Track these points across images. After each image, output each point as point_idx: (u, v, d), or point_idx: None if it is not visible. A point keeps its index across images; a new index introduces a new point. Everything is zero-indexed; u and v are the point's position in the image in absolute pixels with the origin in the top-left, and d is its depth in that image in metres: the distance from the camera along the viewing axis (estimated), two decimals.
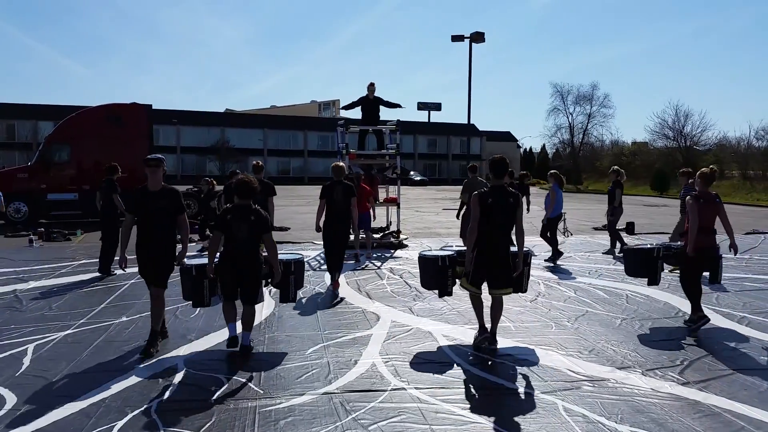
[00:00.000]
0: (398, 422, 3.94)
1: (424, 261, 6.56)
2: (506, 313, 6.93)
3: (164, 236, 5.49)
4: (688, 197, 6.46)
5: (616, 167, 11.64)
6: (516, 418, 4.02)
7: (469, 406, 4.23)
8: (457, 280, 6.15)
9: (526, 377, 4.83)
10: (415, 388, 4.56)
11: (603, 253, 11.73)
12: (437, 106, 78.39)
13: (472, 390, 4.55)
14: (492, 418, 4.02)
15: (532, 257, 6.86)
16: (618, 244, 11.63)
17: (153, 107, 19.37)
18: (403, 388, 4.55)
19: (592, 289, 8.32)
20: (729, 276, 9.37)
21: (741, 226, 17.87)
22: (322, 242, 8.55)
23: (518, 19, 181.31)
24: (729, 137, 59.61)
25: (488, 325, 5.69)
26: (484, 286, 5.67)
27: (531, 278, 9.01)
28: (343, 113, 54.40)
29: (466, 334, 6.03)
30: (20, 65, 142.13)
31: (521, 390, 4.54)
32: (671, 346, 5.67)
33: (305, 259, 7.42)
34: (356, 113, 13.57)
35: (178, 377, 4.78)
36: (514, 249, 5.73)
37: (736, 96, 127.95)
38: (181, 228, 5.64)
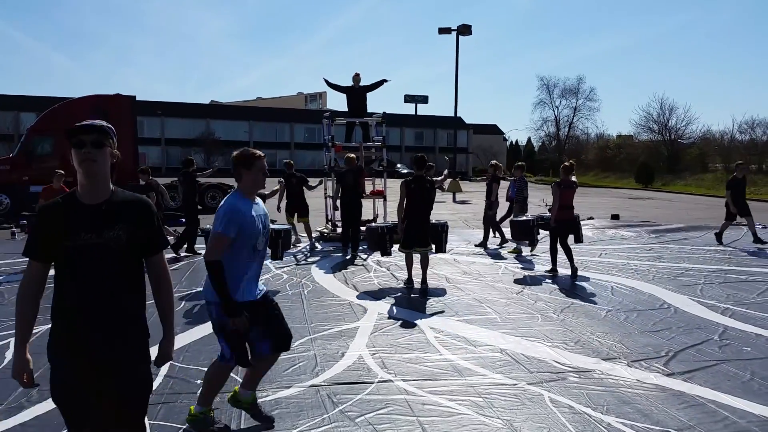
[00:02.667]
0: (385, 414, 3.94)
1: (369, 230, 9.42)
2: (492, 305, 6.97)
3: (120, 308, 2.48)
4: (553, 184, 8.89)
5: (494, 162, 12.04)
6: (502, 410, 4.03)
7: (455, 397, 4.24)
8: (395, 246, 8.40)
9: (512, 369, 4.84)
10: (402, 380, 4.56)
11: (475, 246, 11.76)
12: (424, 99, 78.27)
13: (459, 382, 4.55)
14: (478, 410, 4.03)
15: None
16: (499, 235, 11.93)
17: (137, 99, 19.12)
18: (390, 380, 4.55)
19: (577, 281, 8.37)
20: (713, 268, 9.48)
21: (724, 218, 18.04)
22: (317, 230, 11.37)
23: (505, 12, 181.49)
24: (713, 131, 60.44)
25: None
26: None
27: (517, 271, 9.14)
28: (329, 104, 54.23)
29: (453, 327, 6.04)
30: (2, 56, 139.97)
31: (507, 381, 4.55)
32: (656, 338, 5.71)
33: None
34: (343, 105, 13.53)
35: (164, 370, 4.74)
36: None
37: (721, 90, 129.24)
38: (157, 283, 2.73)
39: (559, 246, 8.85)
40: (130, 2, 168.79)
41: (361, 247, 11.06)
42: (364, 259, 10.12)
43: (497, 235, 11.97)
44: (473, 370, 4.80)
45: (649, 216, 18.90)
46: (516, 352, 5.28)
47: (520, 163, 12.13)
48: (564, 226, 8.79)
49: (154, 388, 4.37)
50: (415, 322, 6.23)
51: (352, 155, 11.24)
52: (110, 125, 2.52)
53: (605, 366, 4.91)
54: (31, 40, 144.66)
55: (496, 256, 10.72)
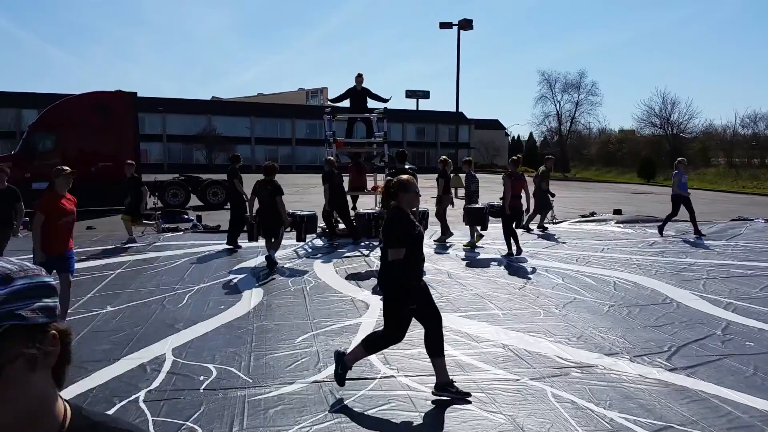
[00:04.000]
0: (388, 410, 3.94)
1: (358, 216, 11.42)
2: (495, 300, 6.97)
3: None
4: (504, 175, 10.29)
5: (444, 157, 12.26)
6: (505, 405, 4.03)
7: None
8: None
9: (514, 364, 4.84)
10: (405, 375, 4.56)
11: (435, 241, 11.60)
12: (425, 94, 78.04)
13: (462, 377, 4.55)
14: (481, 405, 4.03)
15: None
16: (448, 232, 11.85)
17: (138, 95, 19.11)
18: (393, 376, 4.55)
19: (579, 276, 8.36)
20: (716, 263, 9.46)
21: (727, 213, 18.04)
22: (319, 227, 11.67)
23: (507, 6, 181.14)
24: (715, 125, 60.11)
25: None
26: None
27: (519, 266, 9.13)
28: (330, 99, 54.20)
29: (455, 322, 6.04)
30: (3, 53, 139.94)
31: (510, 377, 4.55)
32: (659, 333, 5.71)
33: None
34: (344, 101, 13.50)
35: (166, 367, 4.75)
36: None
37: (723, 84, 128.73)
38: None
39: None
40: None
41: (363, 242, 11.11)
42: (366, 255, 10.13)
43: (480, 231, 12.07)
44: (476, 366, 4.80)
45: (651, 211, 18.86)
46: (518, 347, 5.28)
47: (468, 158, 12.65)
48: (515, 212, 10.09)
49: (157, 385, 4.38)
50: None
51: (331, 158, 11.84)
52: None
53: (608, 361, 4.91)
54: (31, 36, 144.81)
55: (443, 248, 10.82)
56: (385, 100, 13.34)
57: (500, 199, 10.65)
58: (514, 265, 9.29)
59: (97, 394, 4.19)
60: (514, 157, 10.52)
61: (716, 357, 5.02)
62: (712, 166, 43.41)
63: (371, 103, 13.37)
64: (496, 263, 9.44)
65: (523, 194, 10.29)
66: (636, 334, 5.68)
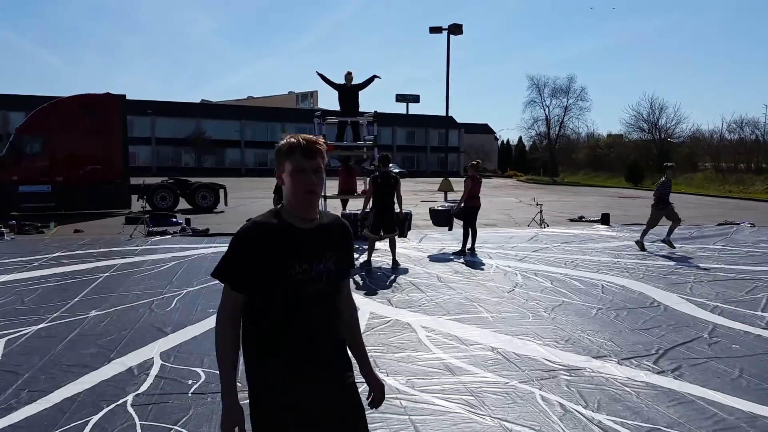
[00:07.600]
0: (377, 413, 3.93)
1: (343, 216, 10.77)
2: (484, 303, 6.99)
3: None
4: (467, 178, 11.06)
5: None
6: (494, 407, 4.04)
7: (447, 396, 4.24)
8: (365, 230, 9.78)
9: (503, 367, 4.86)
10: (394, 379, 4.56)
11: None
12: (415, 98, 78.35)
13: (451, 380, 4.56)
14: (470, 408, 4.04)
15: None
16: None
17: (127, 98, 19.02)
18: (382, 379, 4.54)
19: (568, 280, 8.40)
20: (702, 266, 9.54)
21: (713, 217, 18.20)
22: None
23: (496, 11, 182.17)
24: (702, 130, 60.86)
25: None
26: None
27: (508, 270, 9.17)
28: (321, 104, 54.20)
29: (445, 325, 6.05)
30: None
31: (499, 380, 4.57)
32: (646, 335, 5.75)
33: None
34: (334, 104, 13.52)
35: (154, 371, 4.72)
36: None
37: (710, 89, 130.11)
38: None
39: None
40: (120, 0, 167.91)
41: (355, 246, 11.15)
42: (356, 259, 10.13)
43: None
44: (465, 369, 4.81)
45: (639, 215, 19.00)
46: (507, 350, 5.30)
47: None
48: (473, 211, 10.89)
49: (145, 389, 4.35)
50: (407, 321, 6.24)
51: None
52: None
53: (596, 364, 4.94)
54: (20, 38, 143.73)
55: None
56: (374, 77, 13.35)
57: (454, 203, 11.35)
58: (503, 268, 9.33)
59: (85, 399, 4.16)
60: (474, 162, 11.50)
61: (703, 359, 5.06)
62: (699, 171, 43.78)
63: (363, 104, 13.38)
64: (485, 267, 9.47)
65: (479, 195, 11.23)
66: (624, 336, 5.72)
